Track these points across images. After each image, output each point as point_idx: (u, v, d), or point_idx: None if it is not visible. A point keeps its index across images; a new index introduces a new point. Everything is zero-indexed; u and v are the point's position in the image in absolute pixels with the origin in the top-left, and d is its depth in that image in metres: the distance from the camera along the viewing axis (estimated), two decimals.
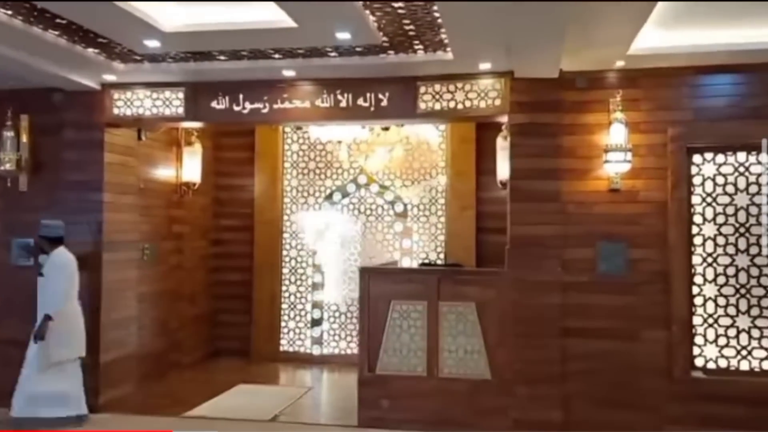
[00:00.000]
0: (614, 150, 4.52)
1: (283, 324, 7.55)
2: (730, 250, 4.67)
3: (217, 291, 7.72)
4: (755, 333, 4.63)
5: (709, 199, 4.72)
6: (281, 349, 7.52)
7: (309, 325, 7.48)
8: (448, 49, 4.42)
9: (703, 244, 4.72)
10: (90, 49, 4.64)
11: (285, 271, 7.56)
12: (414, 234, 7.28)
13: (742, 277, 4.65)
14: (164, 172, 6.63)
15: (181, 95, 5.40)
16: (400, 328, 4.97)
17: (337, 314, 7.41)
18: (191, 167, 6.89)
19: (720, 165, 4.70)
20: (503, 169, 6.05)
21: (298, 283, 7.53)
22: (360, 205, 7.42)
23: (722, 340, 4.67)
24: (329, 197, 7.47)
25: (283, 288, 7.56)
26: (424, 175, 7.28)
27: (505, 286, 4.77)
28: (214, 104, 5.31)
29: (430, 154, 7.27)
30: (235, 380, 6.52)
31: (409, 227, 7.29)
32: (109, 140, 5.50)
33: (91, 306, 5.24)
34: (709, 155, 4.70)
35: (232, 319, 7.68)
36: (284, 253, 7.57)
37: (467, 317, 4.86)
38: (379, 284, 5.00)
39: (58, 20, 4.03)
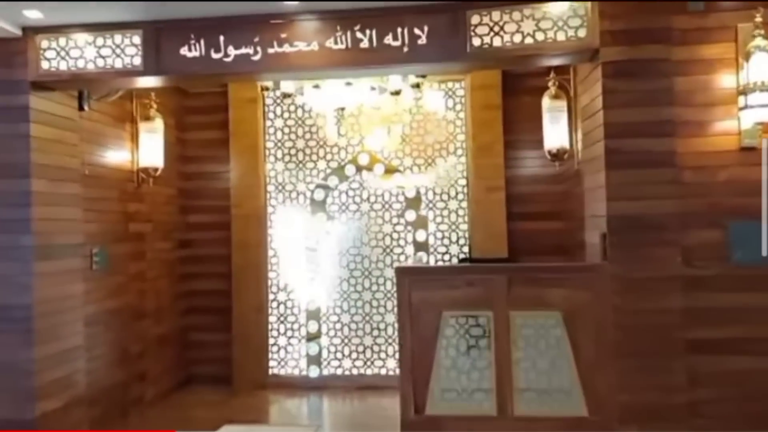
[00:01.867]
0: (755, 90, 3.21)
1: (271, 341, 6.06)
2: None
3: (187, 304, 6.17)
4: None
5: None
6: (270, 372, 6.03)
7: (304, 340, 6.01)
8: None
9: None
10: None
11: (272, 275, 6.07)
12: (430, 224, 5.89)
13: None
14: (116, 155, 5.05)
15: (137, 40, 3.86)
16: (457, 350, 3.58)
17: (338, 326, 5.96)
18: (151, 149, 5.31)
19: None
20: (553, 137, 4.74)
21: (289, 289, 6.05)
22: (362, 192, 5.99)
23: None
24: (323, 183, 6.02)
25: (271, 296, 6.06)
26: (440, 152, 5.90)
27: (603, 287, 3.41)
28: (184, 51, 3.79)
29: (446, 126, 5.89)
30: (217, 418, 5.00)
31: (424, 216, 5.90)
32: (37, 107, 3.92)
33: (16, 338, 3.68)
34: None
35: (208, 338, 6.14)
36: (270, 253, 6.07)
37: (551, 331, 3.51)
38: (424, 290, 3.59)
39: None
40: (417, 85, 5.73)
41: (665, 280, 3.39)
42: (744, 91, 3.26)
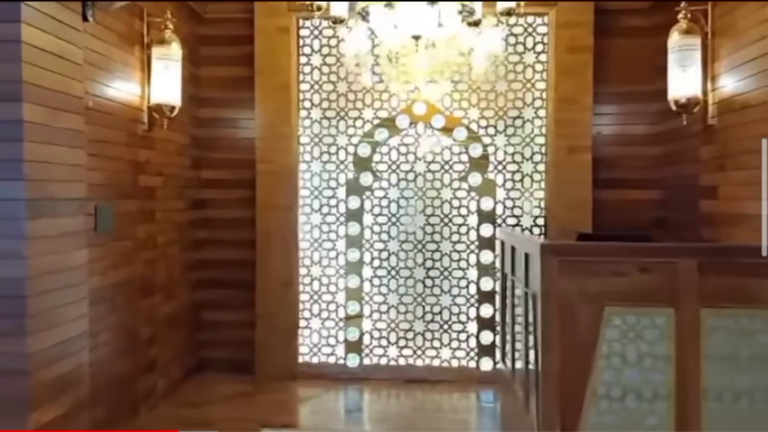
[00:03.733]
0: None
1: (303, 323, 5.02)
2: None
3: (200, 276, 5.07)
4: None
5: None
6: (301, 359, 5.01)
7: (342, 324, 4.99)
8: None
9: None
10: None
11: (304, 245, 5.00)
12: (498, 190, 4.87)
13: None
14: (124, 86, 3.87)
15: None
16: (623, 359, 2.59)
17: (383, 307, 4.95)
18: (166, 81, 4.14)
19: None
20: (682, 83, 3.73)
21: (325, 262, 5.00)
22: (416, 149, 4.93)
23: None
24: (370, 136, 4.93)
25: (303, 270, 5.01)
26: (514, 102, 4.85)
27: None
28: None
29: (523, 71, 4.84)
30: (242, 418, 4.03)
31: (492, 180, 4.88)
32: (33, 4, 2.73)
33: (7, 324, 2.57)
34: None
35: (225, 318, 5.07)
36: (303, 219, 5.00)
37: (755, 336, 2.55)
38: (580, 276, 2.58)
39: None
40: (477, 23, 4.62)
41: None
42: None
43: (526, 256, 2.93)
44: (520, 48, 4.78)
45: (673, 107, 3.95)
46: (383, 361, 4.91)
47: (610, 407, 2.57)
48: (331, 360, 4.94)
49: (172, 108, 4.13)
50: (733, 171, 3.66)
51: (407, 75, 4.68)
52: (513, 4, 4.12)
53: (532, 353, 2.85)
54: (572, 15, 4.65)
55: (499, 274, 4.71)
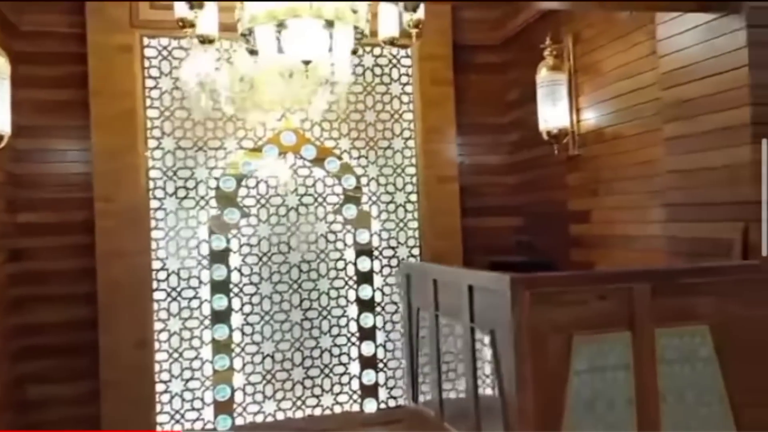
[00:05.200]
0: None
1: (161, 387, 4.21)
2: None
3: (24, 344, 4.00)
4: None
5: None
6: (160, 430, 4.19)
7: (209, 382, 4.30)
8: None
9: None
10: None
11: (160, 296, 4.23)
12: (374, 221, 4.65)
13: None
14: None
15: None
16: (592, 390, 2.48)
17: (256, 358, 4.37)
18: None
19: None
20: (552, 114, 3.92)
21: (186, 313, 4.28)
22: (283, 181, 4.51)
23: None
24: (234, 168, 4.39)
25: (158, 325, 4.22)
26: (383, 132, 4.70)
27: (757, 291, 2.64)
28: None
29: (391, 102, 4.71)
30: None
31: (366, 212, 4.64)
32: None
33: None
34: None
35: (59, 393, 4.06)
36: (156, 265, 4.23)
37: (697, 353, 2.61)
38: (548, 306, 2.43)
39: None
40: (354, 51, 4.42)
41: None
42: None
43: (471, 288, 2.71)
44: (386, 79, 4.64)
45: (545, 137, 4.09)
46: (259, 418, 4.31)
47: (588, 425, 2.43)
48: (198, 426, 4.21)
49: (0, 137, 3.19)
50: (605, 196, 3.88)
51: (271, 103, 4.27)
52: (395, 33, 3.95)
53: (487, 388, 2.63)
54: (433, 48, 4.63)
55: (386, 309, 4.46)
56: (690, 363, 2.55)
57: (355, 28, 3.28)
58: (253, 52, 3.21)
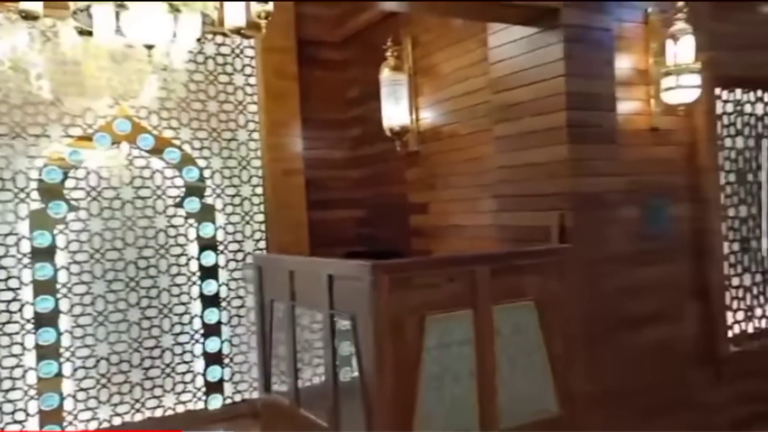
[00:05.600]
0: (680, 72, 3.31)
1: None
2: None
3: None
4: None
5: None
6: None
7: (33, 390, 3.92)
8: None
9: None
10: None
11: None
12: (218, 215, 4.55)
13: None
14: None
15: None
16: (441, 366, 2.70)
17: (89, 362, 4.07)
18: None
19: None
20: (395, 112, 4.20)
21: (4, 317, 3.86)
22: (120, 173, 4.25)
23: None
24: (59, 158, 4.05)
25: None
26: (227, 123, 4.62)
27: (570, 270, 3.05)
28: None
29: (234, 93, 4.64)
30: None
31: (210, 205, 4.53)
32: None
33: None
34: None
35: None
36: None
37: (525, 324, 2.96)
38: (405, 291, 2.60)
39: None
40: (198, 39, 4.31)
41: (618, 259, 3.24)
42: (670, 73, 3.34)
43: (331, 277, 2.81)
44: (229, 69, 4.56)
45: (389, 134, 4.32)
46: (93, 425, 4.02)
47: (434, 410, 2.65)
48: None
49: None
50: (442, 190, 4.21)
51: (97, 88, 4.01)
52: (242, 23, 3.91)
53: (345, 372, 2.75)
54: (277, 41, 4.63)
55: (232, 303, 4.39)
56: (521, 333, 2.88)
57: (203, 15, 3.20)
58: (83, 33, 2.98)
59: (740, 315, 4.00)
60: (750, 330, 4.05)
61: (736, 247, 4.01)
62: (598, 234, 3.13)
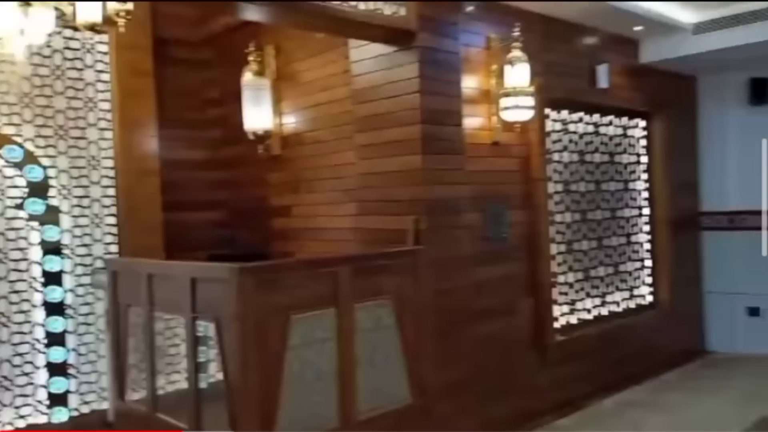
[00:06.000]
0: (516, 94, 3.74)
1: None
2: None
3: None
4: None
5: None
6: None
7: None
8: None
9: None
10: None
11: None
12: (64, 218, 4.30)
13: None
14: None
15: None
16: (303, 362, 2.83)
17: None
18: None
19: None
20: (257, 116, 4.30)
21: None
22: None
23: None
24: None
25: None
26: (76, 121, 4.39)
27: (423, 270, 3.32)
28: None
29: (83, 88, 4.42)
30: None
31: (56, 207, 4.27)
32: None
33: None
34: None
35: None
36: None
37: (383, 321, 3.17)
38: (268, 293, 2.68)
39: None
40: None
41: (465, 259, 3.58)
42: (508, 94, 3.76)
43: (194, 281, 2.82)
44: (79, 64, 4.33)
45: (251, 137, 4.36)
46: None
47: (299, 407, 2.78)
48: None
49: None
50: (305, 194, 4.35)
51: None
52: (98, 19, 3.76)
53: (209, 376, 2.79)
54: (131, 38, 4.46)
55: (79, 311, 4.18)
56: (379, 330, 3.10)
57: (56, 9, 3.06)
58: None
59: (565, 308, 4.56)
60: (573, 321, 4.62)
61: (563, 248, 4.56)
62: (447, 237, 3.44)
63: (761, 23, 4.44)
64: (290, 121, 4.25)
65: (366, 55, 3.49)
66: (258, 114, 4.21)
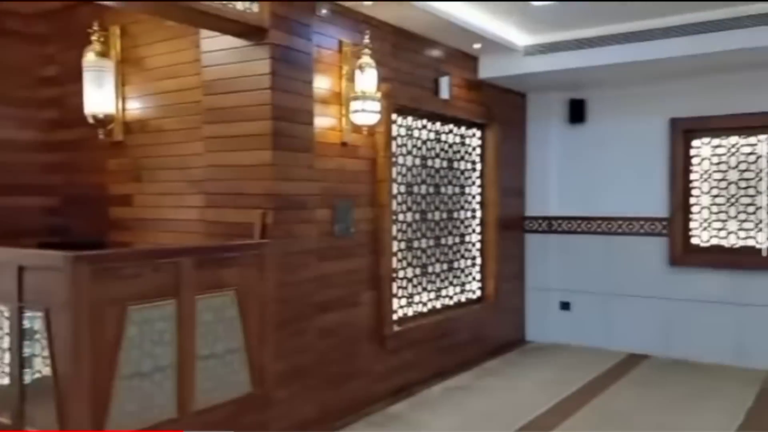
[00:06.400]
0: (365, 98, 3.94)
1: None
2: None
3: None
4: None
5: None
6: None
7: None
8: None
9: None
10: None
11: None
12: None
13: None
14: None
15: None
16: (141, 351, 2.78)
17: None
18: None
19: None
20: (98, 99, 4.14)
21: None
22: None
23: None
24: None
25: None
26: None
27: (269, 263, 3.38)
28: None
29: None
30: None
31: None
32: None
33: None
34: None
35: None
36: None
37: (226, 312, 3.20)
38: (104, 283, 2.60)
39: None
40: None
41: (308, 253, 3.70)
42: (357, 97, 3.94)
43: (21, 269, 2.67)
44: None
45: (91, 120, 4.14)
46: None
47: (133, 399, 2.74)
48: None
49: None
50: (149, 183, 4.21)
51: None
52: None
53: (35, 369, 2.66)
54: None
55: None
56: (222, 321, 3.13)
57: None
58: None
59: (404, 301, 4.86)
60: (410, 313, 4.95)
61: (403, 245, 4.86)
62: (294, 231, 3.54)
63: (579, 51, 5.06)
64: (134, 107, 4.10)
65: (218, 47, 3.49)
66: (100, 97, 4.01)
